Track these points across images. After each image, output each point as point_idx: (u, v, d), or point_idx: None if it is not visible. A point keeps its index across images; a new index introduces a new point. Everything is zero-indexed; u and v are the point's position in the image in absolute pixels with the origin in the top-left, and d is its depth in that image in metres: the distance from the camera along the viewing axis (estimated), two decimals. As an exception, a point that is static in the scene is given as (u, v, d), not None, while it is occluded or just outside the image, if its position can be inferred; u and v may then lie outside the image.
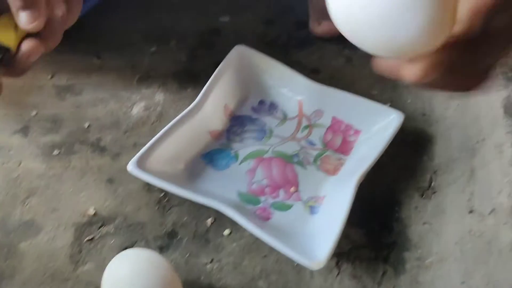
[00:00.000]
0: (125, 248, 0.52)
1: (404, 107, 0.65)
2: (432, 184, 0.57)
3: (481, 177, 0.49)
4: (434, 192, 0.56)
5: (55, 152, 0.60)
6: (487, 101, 0.52)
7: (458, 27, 0.30)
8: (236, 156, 0.58)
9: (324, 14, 0.49)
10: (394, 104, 0.66)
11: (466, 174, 0.52)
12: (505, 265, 0.43)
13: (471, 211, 0.48)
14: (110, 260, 0.44)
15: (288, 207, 0.54)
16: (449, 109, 0.62)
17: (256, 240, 0.52)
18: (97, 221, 0.54)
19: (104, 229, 0.53)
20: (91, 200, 0.56)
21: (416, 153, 0.60)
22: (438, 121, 0.63)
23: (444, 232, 0.51)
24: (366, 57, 0.35)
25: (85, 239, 0.53)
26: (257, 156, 0.58)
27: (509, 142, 0.46)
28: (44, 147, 0.60)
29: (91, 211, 0.55)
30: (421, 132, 0.62)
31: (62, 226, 0.53)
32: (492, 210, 0.45)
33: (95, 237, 0.53)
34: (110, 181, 0.57)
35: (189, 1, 0.82)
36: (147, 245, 0.52)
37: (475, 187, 0.50)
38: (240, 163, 0.58)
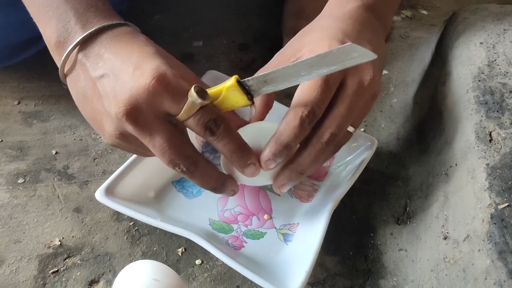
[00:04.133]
0: (92, 281, 0.50)
1: (378, 132, 0.65)
2: (407, 209, 0.56)
3: (454, 203, 0.49)
4: (409, 218, 0.55)
5: (20, 180, 0.58)
6: (459, 126, 0.52)
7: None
8: (208, 183, 0.57)
9: None
10: (369, 128, 0.66)
11: (440, 199, 0.51)
12: (481, 292, 0.42)
13: (445, 238, 0.48)
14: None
15: (261, 235, 0.53)
16: (422, 133, 0.62)
17: (229, 270, 0.51)
18: (63, 252, 0.52)
19: (69, 261, 0.51)
20: (56, 231, 0.53)
21: (391, 178, 0.60)
22: (412, 145, 0.62)
23: (420, 259, 0.50)
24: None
25: (50, 272, 0.50)
26: (230, 182, 0.57)
27: (481, 167, 0.46)
28: (9, 175, 0.58)
29: (57, 242, 0.52)
30: (395, 156, 0.62)
31: (26, 258, 0.51)
32: (467, 237, 0.44)
33: (60, 269, 0.51)
34: (77, 210, 0.55)
35: (163, 24, 0.82)
36: (115, 277, 0.50)
37: (449, 212, 0.49)
38: (212, 190, 0.56)
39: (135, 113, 0.40)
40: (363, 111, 0.47)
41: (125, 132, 0.42)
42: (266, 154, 0.43)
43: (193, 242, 0.48)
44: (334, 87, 0.43)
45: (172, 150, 0.41)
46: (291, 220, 0.54)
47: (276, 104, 0.61)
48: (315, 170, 0.48)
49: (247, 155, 0.44)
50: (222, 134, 0.42)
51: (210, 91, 0.42)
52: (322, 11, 0.52)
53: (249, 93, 0.43)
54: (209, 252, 0.48)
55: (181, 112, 0.41)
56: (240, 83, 0.42)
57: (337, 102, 0.44)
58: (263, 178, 0.47)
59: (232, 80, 0.42)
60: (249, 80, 0.42)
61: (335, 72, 0.42)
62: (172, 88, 0.40)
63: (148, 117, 0.41)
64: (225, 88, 0.42)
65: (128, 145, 0.45)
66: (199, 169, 0.43)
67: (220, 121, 0.42)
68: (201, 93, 0.40)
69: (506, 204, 0.43)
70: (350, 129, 0.46)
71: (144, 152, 0.46)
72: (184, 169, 0.42)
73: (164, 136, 0.41)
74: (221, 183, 0.46)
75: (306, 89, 0.43)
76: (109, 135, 0.44)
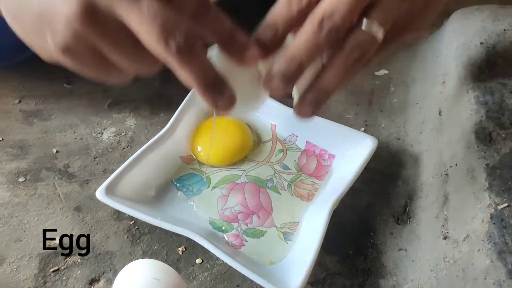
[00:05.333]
0: (92, 280, 0.50)
1: (378, 131, 0.65)
2: (407, 209, 0.56)
3: (454, 203, 0.49)
4: (409, 218, 0.55)
5: (21, 179, 0.58)
6: (459, 125, 0.52)
7: None
8: (208, 181, 0.57)
9: None
10: (369, 128, 0.66)
11: (440, 199, 0.52)
12: (480, 292, 0.42)
13: (445, 237, 0.48)
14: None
15: (262, 233, 0.53)
16: (423, 133, 0.62)
17: (229, 269, 0.51)
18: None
19: (70, 260, 0.51)
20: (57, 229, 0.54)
21: (391, 178, 0.60)
22: (412, 145, 0.63)
23: (420, 259, 0.50)
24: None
25: (50, 270, 0.50)
26: (230, 181, 0.57)
27: (481, 167, 0.46)
28: (9, 174, 0.58)
29: (57, 241, 0.52)
30: (395, 156, 0.62)
31: (26, 257, 0.51)
32: (466, 237, 0.44)
33: (61, 268, 0.51)
34: (77, 209, 0.56)
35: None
36: (115, 276, 0.50)
37: (449, 212, 0.49)
38: (212, 189, 0.56)
39: None
40: (398, 20, 0.36)
41: (89, 17, 0.31)
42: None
43: (194, 241, 0.49)
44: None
45: (166, 12, 0.31)
46: (292, 219, 0.54)
47: (275, 104, 0.61)
48: (341, 77, 0.37)
49: (240, 36, 0.36)
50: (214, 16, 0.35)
51: None
52: None
53: None
54: (210, 251, 0.48)
55: None
56: None
57: None
58: (255, 97, 0.42)
59: None
60: None
61: None
62: None
63: None
64: None
65: (85, 48, 0.33)
66: (196, 49, 0.33)
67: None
68: None
69: (506, 204, 0.43)
70: (379, 32, 0.35)
71: (102, 62, 0.34)
72: (181, 41, 0.32)
73: None
74: (215, 80, 0.35)
75: None
76: (62, 34, 0.32)
